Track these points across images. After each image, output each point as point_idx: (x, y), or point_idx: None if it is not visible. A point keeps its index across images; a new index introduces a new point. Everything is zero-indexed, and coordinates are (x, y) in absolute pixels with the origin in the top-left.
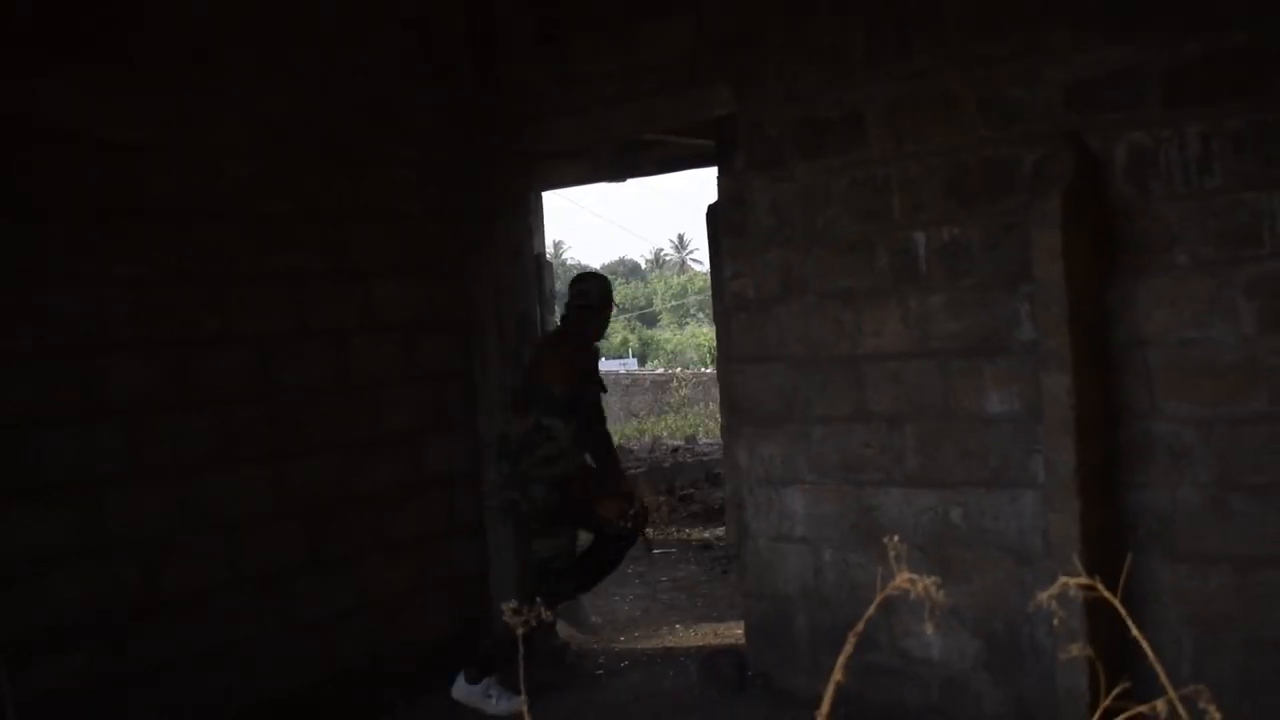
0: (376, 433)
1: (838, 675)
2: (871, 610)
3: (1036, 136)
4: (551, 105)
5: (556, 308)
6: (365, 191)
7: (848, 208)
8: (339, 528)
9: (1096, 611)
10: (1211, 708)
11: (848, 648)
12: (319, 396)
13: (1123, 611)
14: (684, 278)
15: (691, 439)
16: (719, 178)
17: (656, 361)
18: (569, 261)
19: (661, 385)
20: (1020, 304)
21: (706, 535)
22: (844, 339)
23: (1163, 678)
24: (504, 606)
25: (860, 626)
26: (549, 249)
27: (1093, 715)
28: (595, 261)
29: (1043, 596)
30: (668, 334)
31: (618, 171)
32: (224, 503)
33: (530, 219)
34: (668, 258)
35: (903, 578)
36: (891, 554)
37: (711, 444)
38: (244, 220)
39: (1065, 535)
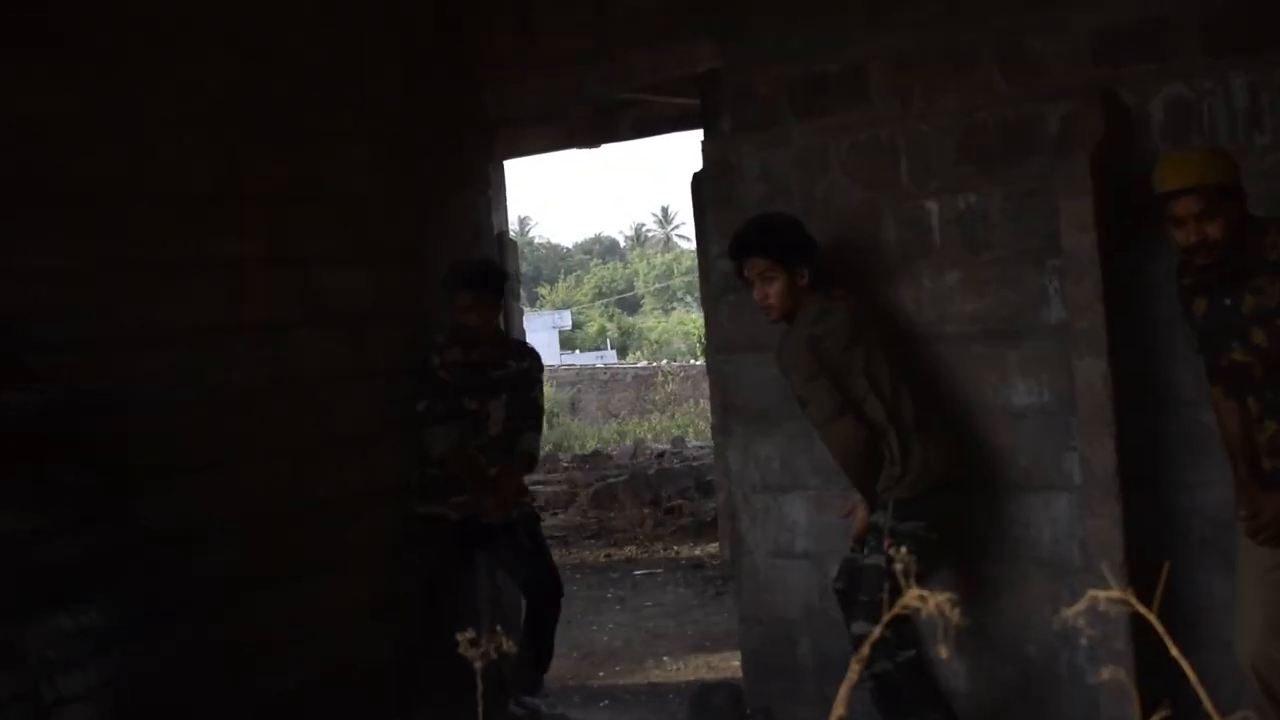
0: (322, 437)
1: (840, 709)
2: (878, 632)
3: (1062, 91)
4: (515, 64)
5: (522, 291)
6: (312, 169)
7: (849, 173)
8: (281, 543)
9: (1143, 630)
10: None
11: (852, 674)
12: (259, 398)
13: (1159, 627)
14: (669, 256)
15: (679, 441)
16: (704, 142)
17: (639, 353)
18: (536, 240)
19: (645, 380)
20: (1048, 280)
21: (697, 552)
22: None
23: (1207, 704)
24: (459, 637)
25: (865, 650)
26: (514, 226)
27: None
28: (568, 239)
29: (1069, 613)
30: (651, 321)
31: (591, 137)
32: (165, 515)
33: (491, 193)
34: (650, 234)
35: (912, 594)
36: (899, 567)
37: (702, 447)
38: (177, 202)
39: (1105, 543)
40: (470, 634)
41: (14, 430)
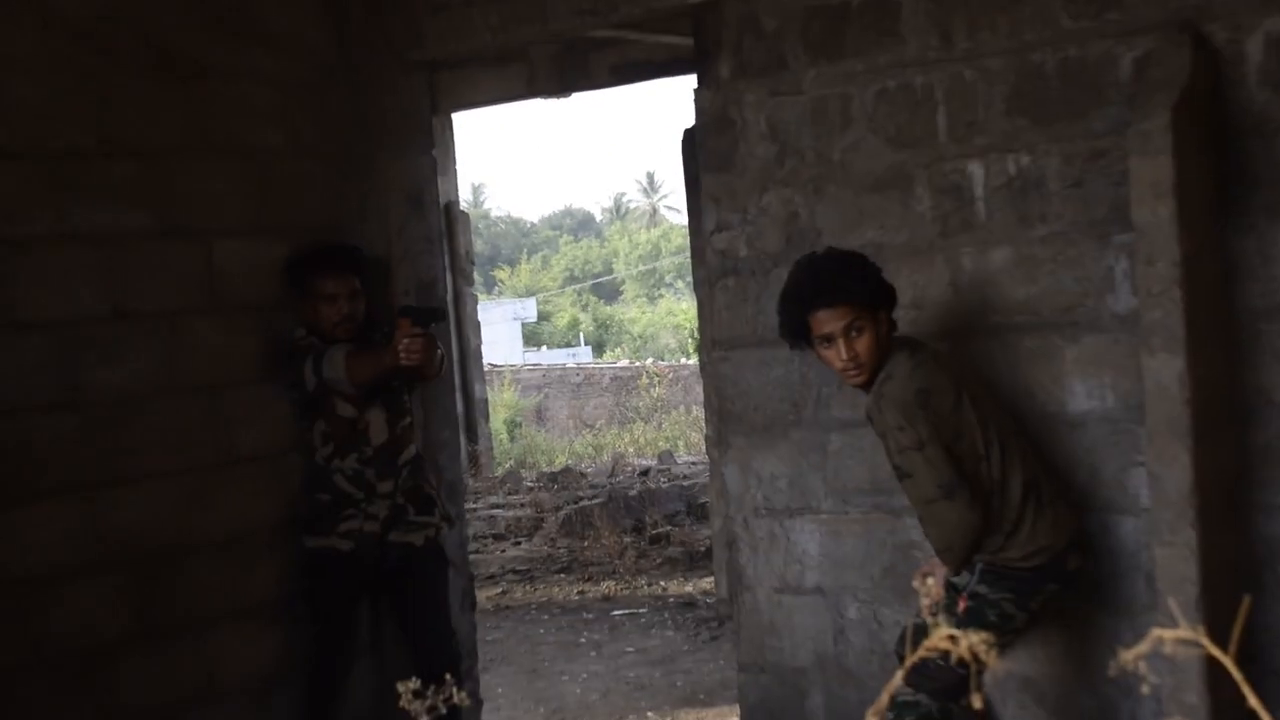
0: (227, 454)
1: None
2: (898, 678)
3: (1139, 26)
4: None
5: (476, 275)
6: (207, 118)
7: (876, 130)
8: (177, 587)
9: (1218, 678)
10: None
11: None
12: (145, 405)
13: (1237, 674)
14: (655, 233)
15: (667, 456)
16: (697, 90)
17: (619, 351)
18: (493, 213)
19: (625, 383)
20: (1115, 260)
21: (688, 589)
22: None
23: None
24: (400, 686)
25: (884, 699)
26: (466, 195)
27: None
28: (533, 213)
29: (1129, 656)
30: (634, 312)
31: (559, 83)
32: (13, 553)
33: (436, 153)
34: (632, 205)
35: (941, 634)
36: (926, 602)
37: (695, 463)
38: (32, 161)
39: (1176, 577)
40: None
41: None
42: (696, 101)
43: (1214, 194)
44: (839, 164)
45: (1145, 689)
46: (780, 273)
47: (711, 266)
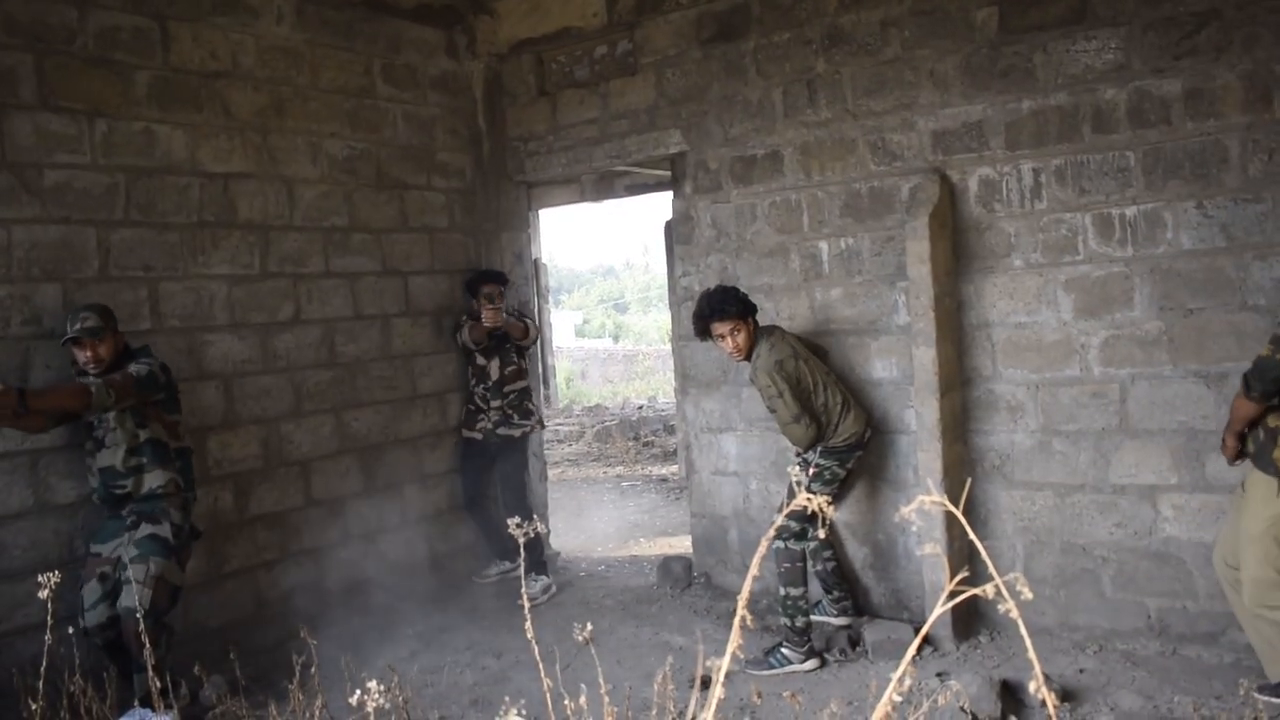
0: (413, 393)
1: (753, 570)
2: (780, 519)
3: (911, 170)
4: (545, 145)
5: (551, 297)
6: (405, 212)
7: (769, 222)
8: (385, 464)
9: (952, 524)
10: (1025, 589)
11: (761, 549)
12: (370, 365)
13: (963, 520)
14: (647, 277)
15: (653, 399)
16: (673, 200)
17: (627, 340)
18: (561, 265)
19: (630, 358)
20: (897, 296)
21: (664, 471)
22: (766, 322)
23: (992, 569)
24: (509, 522)
25: (771, 534)
26: (546, 255)
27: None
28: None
29: (905, 510)
30: (636, 319)
31: (597, 195)
32: (298, 445)
33: (529, 231)
34: (633, 262)
35: (802, 497)
36: (794, 481)
37: (668, 403)
38: (314, 232)
39: (929, 468)
40: (515, 520)
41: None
42: (672, 206)
43: (952, 261)
44: (749, 241)
45: (914, 529)
46: None
47: (679, 296)
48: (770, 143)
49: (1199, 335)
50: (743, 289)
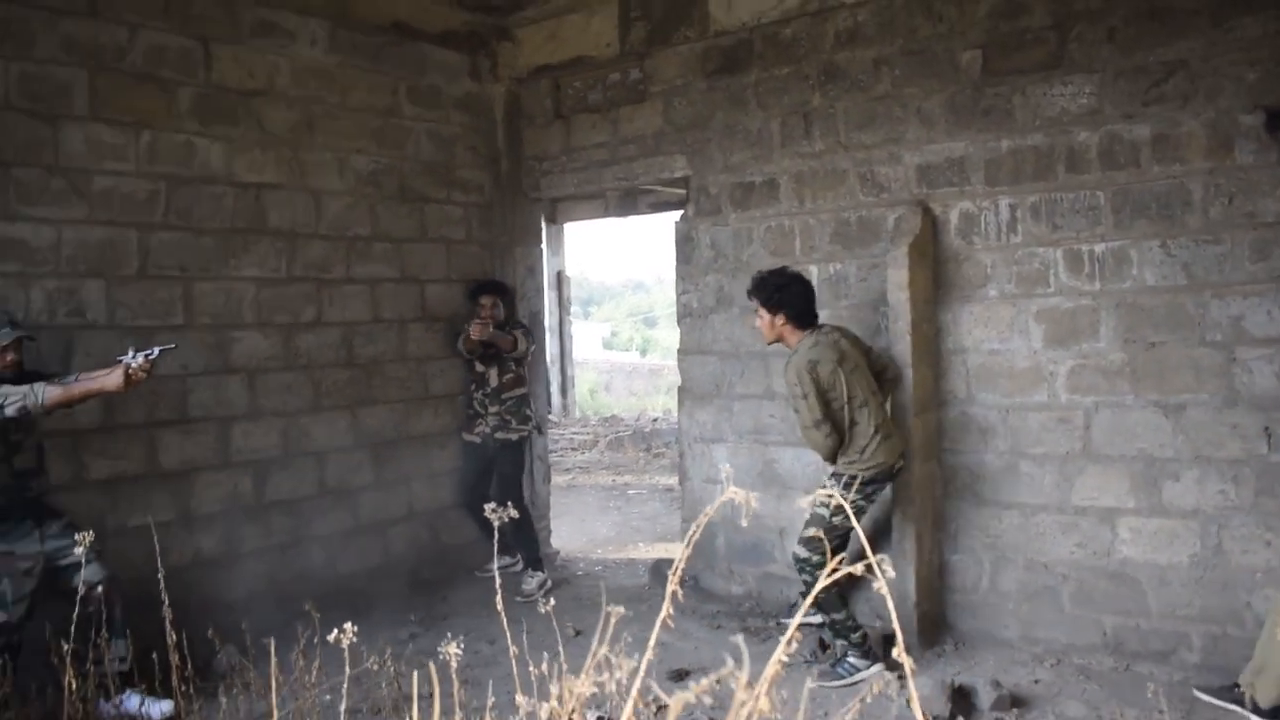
0: (425, 393)
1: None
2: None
3: (896, 202)
4: (559, 165)
5: (579, 309)
6: (425, 223)
7: (764, 246)
8: (396, 459)
9: (922, 539)
10: (888, 568)
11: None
12: (385, 366)
13: (859, 529)
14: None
15: (669, 412)
16: (676, 223)
17: (655, 354)
18: (593, 278)
19: (656, 372)
20: (881, 320)
21: (670, 481)
22: (758, 340)
23: (871, 558)
24: (486, 508)
25: (711, 512)
26: (576, 270)
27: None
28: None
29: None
30: (664, 333)
31: (621, 210)
32: (314, 437)
33: (542, 246)
34: (664, 278)
35: (734, 493)
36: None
37: None
38: (338, 240)
39: (906, 483)
40: (494, 507)
41: None
42: (675, 227)
43: (932, 289)
44: (745, 262)
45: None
46: (713, 317)
47: (680, 312)
48: (767, 171)
49: (1159, 367)
50: (737, 307)
